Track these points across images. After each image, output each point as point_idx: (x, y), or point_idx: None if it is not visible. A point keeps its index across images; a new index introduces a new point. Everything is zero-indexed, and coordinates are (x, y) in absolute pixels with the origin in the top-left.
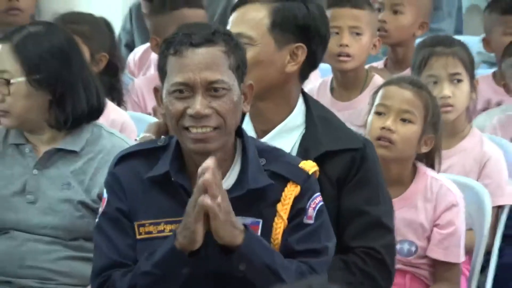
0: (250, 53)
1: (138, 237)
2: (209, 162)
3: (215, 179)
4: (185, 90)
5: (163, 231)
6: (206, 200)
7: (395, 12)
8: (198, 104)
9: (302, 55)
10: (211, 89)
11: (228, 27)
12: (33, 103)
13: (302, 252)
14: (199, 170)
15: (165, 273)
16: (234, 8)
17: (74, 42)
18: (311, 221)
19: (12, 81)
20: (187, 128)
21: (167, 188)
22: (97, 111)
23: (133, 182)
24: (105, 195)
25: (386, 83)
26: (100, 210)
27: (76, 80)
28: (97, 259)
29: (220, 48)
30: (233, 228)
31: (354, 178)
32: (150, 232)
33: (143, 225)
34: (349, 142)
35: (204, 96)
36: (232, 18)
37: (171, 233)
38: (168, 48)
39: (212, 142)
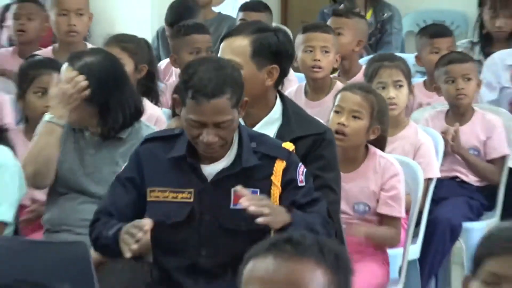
0: None
1: (148, 199)
2: (242, 200)
3: (258, 201)
4: (199, 124)
5: (167, 197)
6: (266, 219)
7: (338, 34)
8: (209, 137)
9: (276, 73)
10: (219, 125)
11: (219, 54)
12: (84, 113)
13: (308, 203)
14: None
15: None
16: (222, 39)
17: (120, 66)
18: (303, 184)
19: None
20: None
21: (180, 166)
22: (137, 114)
23: (150, 158)
24: (125, 163)
25: (342, 89)
26: (118, 173)
27: (118, 98)
28: (100, 204)
29: (227, 95)
30: (283, 214)
31: (315, 152)
32: (157, 197)
33: (153, 191)
34: (313, 128)
35: (213, 128)
36: (222, 46)
37: (173, 200)
38: (187, 89)
39: (217, 152)
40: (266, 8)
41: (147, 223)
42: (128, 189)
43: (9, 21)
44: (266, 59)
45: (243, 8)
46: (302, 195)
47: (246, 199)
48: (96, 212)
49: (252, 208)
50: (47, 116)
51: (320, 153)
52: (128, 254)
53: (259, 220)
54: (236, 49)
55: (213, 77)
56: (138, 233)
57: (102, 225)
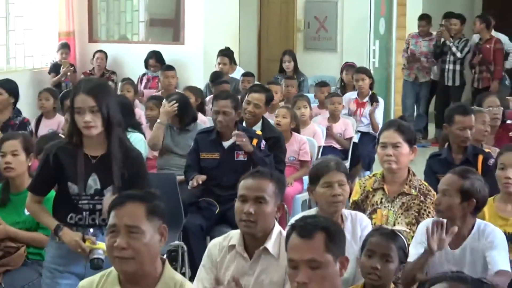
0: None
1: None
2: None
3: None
4: None
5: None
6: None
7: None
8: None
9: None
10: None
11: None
12: (174, 119)
13: (268, 155)
14: None
15: None
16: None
17: (189, 102)
18: (264, 149)
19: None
20: None
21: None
22: (194, 119)
23: (202, 139)
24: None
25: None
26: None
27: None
28: (187, 161)
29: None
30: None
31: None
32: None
33: (202, 154)
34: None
35: None
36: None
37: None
38: None
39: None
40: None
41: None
42: (195, 154)
43: None
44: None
45: (243, 74)
46: (263, 154)
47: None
48: (186, 165)
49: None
50: (158, 121)
51: (276, 144)
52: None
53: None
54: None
55: None
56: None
57: (191, 171)
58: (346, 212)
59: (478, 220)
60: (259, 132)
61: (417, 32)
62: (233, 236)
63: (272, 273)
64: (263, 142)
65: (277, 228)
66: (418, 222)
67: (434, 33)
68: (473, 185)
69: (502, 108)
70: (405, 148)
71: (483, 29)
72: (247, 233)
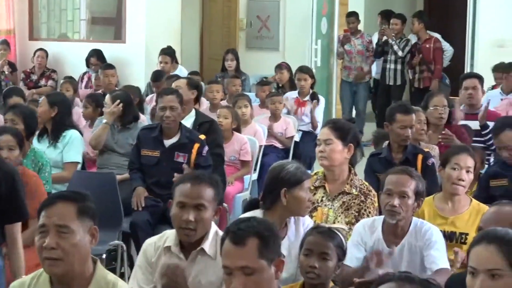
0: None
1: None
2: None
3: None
4: None
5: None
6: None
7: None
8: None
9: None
10: None
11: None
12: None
13: (209, 165)
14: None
15: None
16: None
17: (131, 100)
18: (205, 155)
19: None
20: None
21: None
22: (136, 118)
23: (143, 136)
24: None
25: None
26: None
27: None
28: (130, 158)
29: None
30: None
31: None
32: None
33: (144, 150)
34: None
35: None
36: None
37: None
38: None
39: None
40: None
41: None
42: (137, 150)
43: None
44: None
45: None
46: (206, 158)
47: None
48: (130, 161)
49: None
50: (104, 121)
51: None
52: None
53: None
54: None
55: None
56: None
57: (135, 171)
58: None
59: (414, 218)
60: (202, 136)
61: (348, 31)
62: (169, 236)
63: (210, 274)
64: (206, 148)
65: (214, 228)
66: (358, 222)
67: (377, 32)
68: (423, 184)
69: (448, 108)
70: (337, 145)
71: (421, 28)
72: (185, 240)
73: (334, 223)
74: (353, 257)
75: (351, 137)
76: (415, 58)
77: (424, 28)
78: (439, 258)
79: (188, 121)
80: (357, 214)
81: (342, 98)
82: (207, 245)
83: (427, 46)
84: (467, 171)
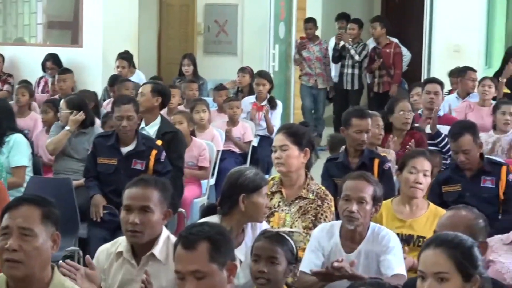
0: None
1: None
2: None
3: None
4: None
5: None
6: None
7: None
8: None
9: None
10: None
11: None
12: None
13: (168, 171)
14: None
15: None
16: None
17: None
18: (163, 161)
19: None
20: None
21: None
22: (92, 123)
23: (99, 143)
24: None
25: None
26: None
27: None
28: (86, 165)
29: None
30: None
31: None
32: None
33: (100, 158)
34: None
35: None
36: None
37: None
38: None
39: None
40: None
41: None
42: (93, 158)
43: None
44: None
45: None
46: (162, 167)
47: None
48: (85, 168)
49: None
50: (67, 128)
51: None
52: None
53: None
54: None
55: None
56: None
57: (92, 179)
58: None
59: (372, 224)
60: (159, 142)
61: (304, 38)
62: (121, 242)
63: (161, 279)
64: (163, 154)
65: (165, 233)
66: (315, 226)
67: (336, 37)
68: (381, 189)
69: (413, 113)
70: (293, 150)
71: (383, 34)
72: (133, 242)
73: (291, 227)
74: (311, 263)
75: (306, 142)
76: (375, 62)
77: (385, 33)
78: (395, 264)
79: (152, 129)
80: (314, 218)
81: (303, 102)
82: (157, 250)
83: (387, 51)
84: (424, 175)
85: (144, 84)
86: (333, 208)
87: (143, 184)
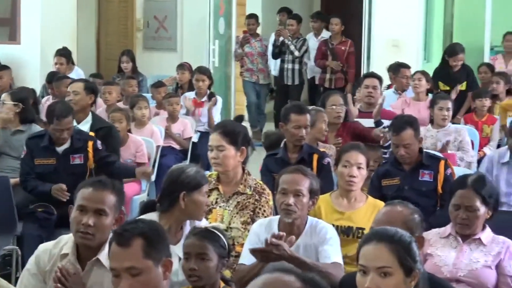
0: None
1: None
2: None
3: None
4: None
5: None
6: None
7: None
8: None
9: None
10: None
11: None
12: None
13: (115, 161)
14: None
15: None
16: None
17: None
18: (102, 148)
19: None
20: None
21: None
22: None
23: (33, 144)
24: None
25: None
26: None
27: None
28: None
29: None
30: None
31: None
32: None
33: (37, 160)
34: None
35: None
36: None
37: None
38: None
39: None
40: None
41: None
42: (30, 160)
43: None
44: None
45: None
46: (104, 154)
47: None
48: (23, 173)
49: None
50: None
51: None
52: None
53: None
54: None
55: None
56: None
57: (34, 181)
58: None
59: (310, 218)
60: (92, 133)
61: (247, 32)
62: (66, 242)
63: (106, 285)
64: (99, 142)
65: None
66: (253, 221)
67: (276, 33)
68: (317, 183)
69: (345, 107)
70: (229, 150)
71: (339, 31)
72: (83, 244)
73: (229, 224)
74: (251, 257)
75: (242, 140)
76: (328, 61)
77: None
78: (332, 253)
79: (85, 127)
80: (252, 213)
81: (247, 97)
82: (103, 256)
83: (342, 48)
84: (358, 168)
85: (74, 82)
86: (271, 203)
87: (100, 186)
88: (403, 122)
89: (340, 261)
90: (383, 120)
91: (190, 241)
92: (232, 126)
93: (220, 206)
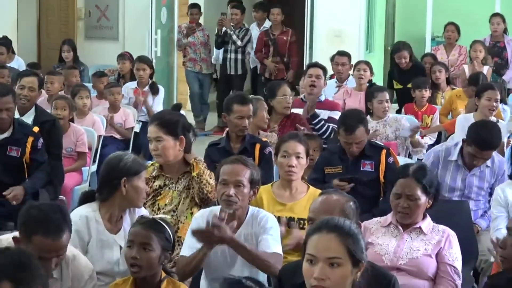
0: None
1: None
2: None
3: None
4: None
5: None
6: None
7: None
8: None
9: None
10: None
11: None
12: None
13: (45, 161)
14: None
15: None
16: None
17: None
18: (41, 148)
19: None
20: None
21: None
22: None
23: None
24: None
25: None
26: None
27: None
28: None
29: None
30: None
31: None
32: None
33: None
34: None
35: None
36: None
37: None
38: None
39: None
40: None
41: None
42: None
43: None
44: None
45: None
46: (39, 155)
47: None
48: None
49: None
50: None
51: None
52: None
53: None
54: None
55: None
56: None
57: None
58: None
59: (251, 207)
60: (36, 128)
61: (193, 22)
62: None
63: None
64: (40, 141)
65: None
66: (199, 198)
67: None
68: (258, 173)
69: (294, 97)
70: (168, 141)
71: (280, 21)
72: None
73: (178, 204)
74: (192, 247)
75: (181, 129)
76: (268, 61)
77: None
78: (273, 243)
79: (28, 119)
80: (198, 191)
81: (190, 87)
82: None
83: (284, 38)
84: (297, 157)
85: (27, 77)
86: (212, 181)
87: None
88: (354, 121)
89: (280, 251)
90: (323, 111)
91: (136, 229)
92: (169, 116)
93: (169, 188)
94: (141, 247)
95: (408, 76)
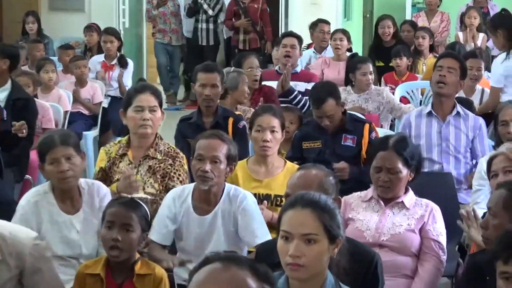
0: None
1: None
2: None
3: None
4: None
5: None
6: None
7: None
8: None
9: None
10: None
11: None
12: None
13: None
14: None
15: None
16: None
17: None
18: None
19: None
20: None
21: None
22: None
23: None
24: None
25: None
26: None
27: None
28: None
29: None
30: None
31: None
32: None
33: None
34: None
35: None
36: None
37: None
38: None
39: None
40: None
41: None
42: None
43: None
44: None
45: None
46: (8, 126)
47: None
48: None
49: None
50: None
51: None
52: None
53: None
54: None
55: None
56: None
57: None
58: (83, 182)
59: (227, 185)
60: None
61: None
62: None
63: None
64: (5, 112)
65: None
66: (167, 186)
67: None
68: (235, 148)
69: (261, 69)
70: (158, 112)
71: None
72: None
73: (143, 188)
74: (161, 233)
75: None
76: (239, 21)
77: None
78: (260, 230)
79: (2, 94)
80: (163, 179)
81: (157, 60)
82: None
83: (255, 6)
84: (272, 131)
85: None
86: (185, 166)
87: None
88: (322, 93)
89: (269, 237)
90: (299, 83)
91: (116, 209)
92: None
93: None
94: (123, 228)
95: (391, 52)
